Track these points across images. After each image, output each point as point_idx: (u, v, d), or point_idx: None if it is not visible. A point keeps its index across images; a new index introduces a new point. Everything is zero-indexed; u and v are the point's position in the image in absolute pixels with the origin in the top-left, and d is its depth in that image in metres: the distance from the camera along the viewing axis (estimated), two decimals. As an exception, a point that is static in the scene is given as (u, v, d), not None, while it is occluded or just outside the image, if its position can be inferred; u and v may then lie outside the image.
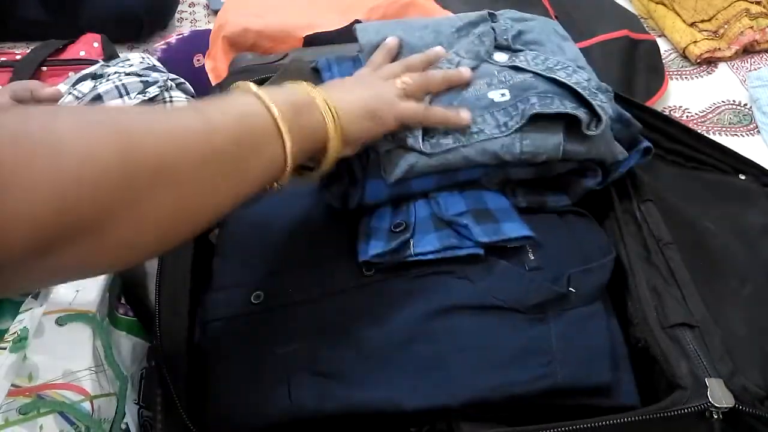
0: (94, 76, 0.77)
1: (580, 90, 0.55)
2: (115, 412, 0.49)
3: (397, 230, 0.52)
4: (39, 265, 0.33)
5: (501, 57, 0.59)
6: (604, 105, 0.56)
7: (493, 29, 0.60)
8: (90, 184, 0.33)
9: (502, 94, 0.55)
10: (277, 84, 0.53)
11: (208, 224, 0.41)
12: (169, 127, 0.38)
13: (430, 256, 0.51)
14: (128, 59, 0.80)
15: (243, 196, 0.42)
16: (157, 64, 0.82)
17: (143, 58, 0.81)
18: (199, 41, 0.95)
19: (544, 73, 0.56)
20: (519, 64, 0.57)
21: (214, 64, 0.84)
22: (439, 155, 0.53)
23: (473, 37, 0.59)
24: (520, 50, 0.60)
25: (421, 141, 0.53)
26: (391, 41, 0.58)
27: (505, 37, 0.60)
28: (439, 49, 0.58)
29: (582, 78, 0.57)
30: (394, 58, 0.58)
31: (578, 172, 0.58)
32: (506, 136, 0.54)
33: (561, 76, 0.56)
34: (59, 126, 0.33)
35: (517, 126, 0.54)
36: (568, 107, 0.54)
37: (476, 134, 0.54)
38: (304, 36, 0.79)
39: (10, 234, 0.31)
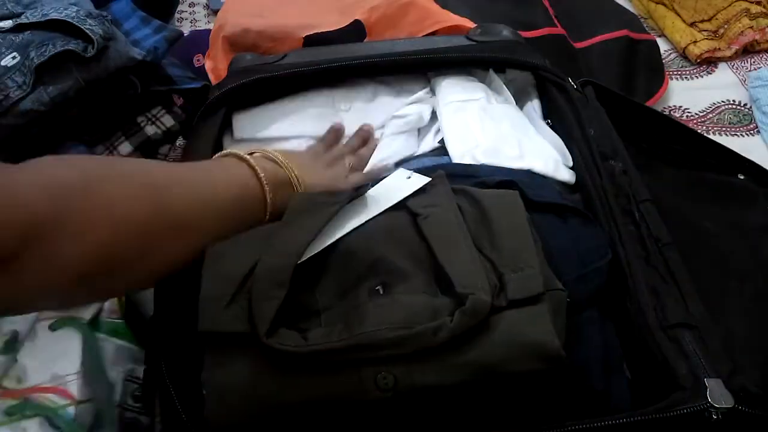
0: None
1: (69, 20, 0.65)
2: (100, 416, 0.49)
3: None
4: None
5: (5, 24, 0.67)
6: (94, 27, 0.66)
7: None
8: (123, 239, 0.41)
9: (13, 57, 0.64)
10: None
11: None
12: (192, 190, 0.48)
13: None
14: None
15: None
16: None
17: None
18: (199, 41, 0.95)
19: (41, 20, 0.66)
20: (21, 22, 0.66)
21: (214, 64, 0.84)
22: None
23: None
24: (22, 12, 0.69)
25: None
26: (338, 125, 0.68)
27: (6, 6, 0.69)
28: (368, 127, 0.69)
29: (72, 11, 0.67)
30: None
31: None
32: (33, 92, 0.63)
33: (54, 16, 0.66)
34: (96, 186, 0.41)
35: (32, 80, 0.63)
36: (58, 46, 0.64)
37: (3, 100, 0.62)
38: (304, 36, 0.79)
39: (60, 275, 0.38)
